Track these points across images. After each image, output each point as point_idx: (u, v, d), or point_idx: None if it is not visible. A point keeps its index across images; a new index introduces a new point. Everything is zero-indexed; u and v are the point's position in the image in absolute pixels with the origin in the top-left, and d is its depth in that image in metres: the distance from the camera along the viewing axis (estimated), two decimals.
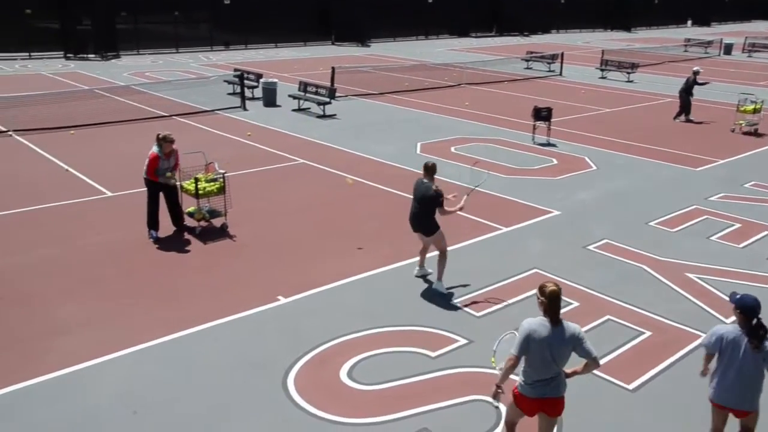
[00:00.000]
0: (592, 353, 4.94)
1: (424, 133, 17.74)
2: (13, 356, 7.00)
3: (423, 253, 9.08)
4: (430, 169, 8.51)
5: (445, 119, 19.70)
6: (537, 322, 4.94)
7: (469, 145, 16.43)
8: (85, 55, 34.22)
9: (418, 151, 15.78)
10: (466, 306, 8.27)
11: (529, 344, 4.89)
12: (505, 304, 8.33)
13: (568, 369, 5.11)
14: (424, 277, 9.09)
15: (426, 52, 39.35)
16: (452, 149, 15.94)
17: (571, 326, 4.96)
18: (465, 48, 42.26)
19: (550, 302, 4.90)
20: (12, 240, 10.07)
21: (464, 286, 8.80)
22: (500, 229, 10.87)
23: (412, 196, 8.67)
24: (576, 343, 4.91)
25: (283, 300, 8.30)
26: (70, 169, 13.71)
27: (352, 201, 12.20)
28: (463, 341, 7.44)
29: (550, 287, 4.93)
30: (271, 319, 7.88)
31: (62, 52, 34.27)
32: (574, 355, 4.99)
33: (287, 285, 8.69)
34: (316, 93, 20.47)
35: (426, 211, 8.46)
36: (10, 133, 16.82)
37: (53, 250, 9.74)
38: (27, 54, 33.95)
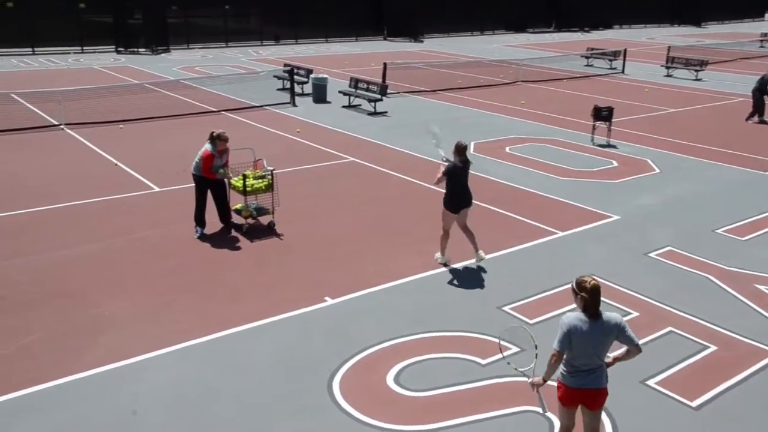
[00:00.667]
0: (635, 340, 5.06)
1: (477, 132, 17.64)
2: (57, 350, 7.23)
3: (447, 239, 9.44)
4: (464, 150, 9.25)
5: (500, 118, 19.55)
6: (576, 317, 5.02)
7: (525, 145, 16.26)
8: (136, 49, 35.20)
9: (471, 151, 15.67)
10: (519, 312, 8.18)
11: (570, 338, 4.98)
12: (559, 311, 8.20)
13: (609, 357, 5.17)
14: (446, 264, 9.44)
15: (481, 48, 39.13)
16: (507, 149, 15.80)
17: (611, 317, 5.05)
18: (522, 44, 41.86)
19: (591, 297, 4.97)
20: (60, 234, 10.41)
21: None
22: (556, 233, 10.73)
23: (454, 181, 9.15)
24: (619, 332, 5.02)
25: (330, 301, 8.36)
26: (119, 164, 14.10)
27: (402, 201, 12.22)
28: (514, 349, 7.35)
29: (591, 282, 5.00)
30: (317, 320, 7.95)
31: (114, 46, 35.32)
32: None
33: (335, 286, 8.75)
34: (367, 89, 20.58)
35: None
36: (61, 126, 17.41)
37: (100, 244, 10.03)
38: (80, 48, 35.13)
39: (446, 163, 9.22)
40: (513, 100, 22.28)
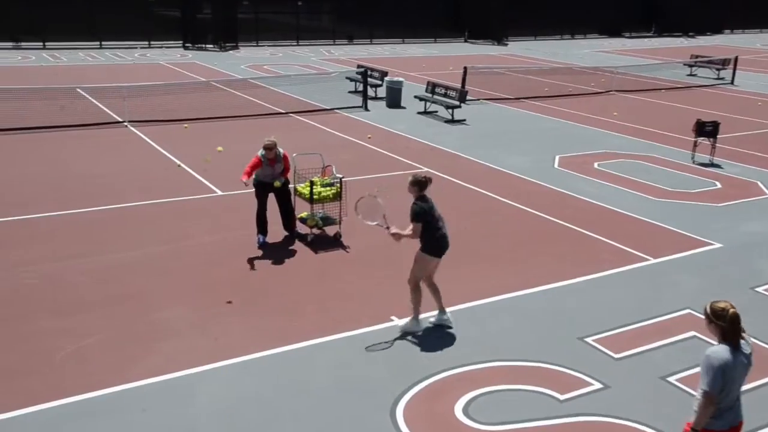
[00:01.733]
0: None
1: (563, 144, 17.44)
2: (112, 356, 7.52)
3: (420, 293, 8.13)
4: (426, 183, 8.06)
5: (588, 130, 19.28)
6: (726, 351, 4.87)
7: (616, 161, 15.98)
8: (204, 45, 36.36)
9: (556, 165, 15.53)
10: (602, 345, 8.03)
11: (725, 377, 4.79)
12: (649, 347, 8.02)
13: None
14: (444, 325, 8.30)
15: (570, 53, 38.68)
16: (595, 165, 15.56)
17: (744, 344, 4.95)
18: (616, 50, 41.16)
19: (732, 326, 4.87)
20: (120, 235, 10.84)
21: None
22: (647, 259, 10.49)
23: (432, 220, 8.05)
24: (748, 359, 4.95)
25: (396, 321, 8.41)
26: (182, 165, 14.58)
27: (479, 217, 12.18)
28: (597, 385, 7.24)
29: (731, 310, 4.89)
30: (382, 340, 8.01)
31: (181, 42, 36.58)
32: None
33: (402, 305, 8.77)
34: (445, 95, 20.64)
35: None
36: (125, 123, 18.14)
37: (160, 248, 10.39)
38: (147, 43, 36.54)
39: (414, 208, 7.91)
40: (604, 111, 21.92)
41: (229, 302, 8.48)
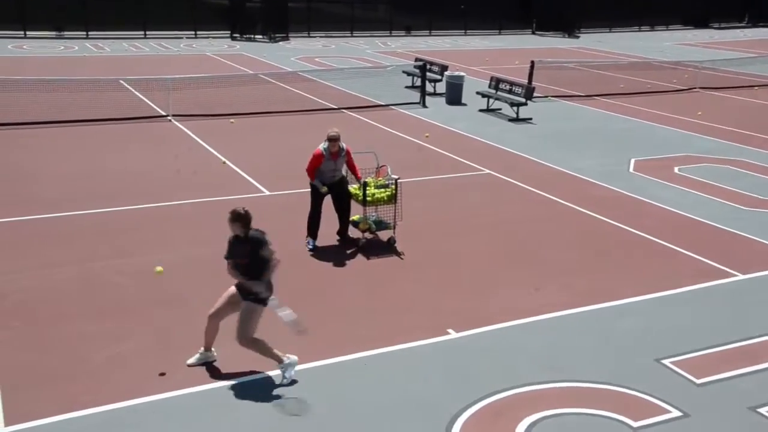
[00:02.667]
0: None
1: (640, 147, 17.17)
2: (151, 363, 7.64)
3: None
4: (244, 218, 7.33)
5: (668, 131, 18.94)
6: None
7: (700, 165, 15.64)
8: (252, 36, 36.92)
9: (631, 169, 15.27)
10: (682, 368, 7.84)
11: None
12: (736, 372, 7.80)
13: None
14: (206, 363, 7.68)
15: (650, 46, 38.07)
16: (676, 169, 15.26)
17: None
18: (702, 42, 40.37)
19: None
20: (161, 235, 11.06)
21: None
22: (735, 275, 10.23)
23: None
24: None
25: (454, 334, 8.37)
26: (228, 162, 14.79)
27: (545, 224, 12.05)
28: (675, 413, 7.07)
29: None
30: (438, 355, 7.97)
31: (228, 32, 37.22)
32: None
33: (460, 317, 8.75)
34: (510, 91, 20.51)
35: None
36: (169, 117, 18.50)
37: (204, 250, 10.51)
38: (193, 32, 37.26)
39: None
40: (687, 110, 21.50)
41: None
